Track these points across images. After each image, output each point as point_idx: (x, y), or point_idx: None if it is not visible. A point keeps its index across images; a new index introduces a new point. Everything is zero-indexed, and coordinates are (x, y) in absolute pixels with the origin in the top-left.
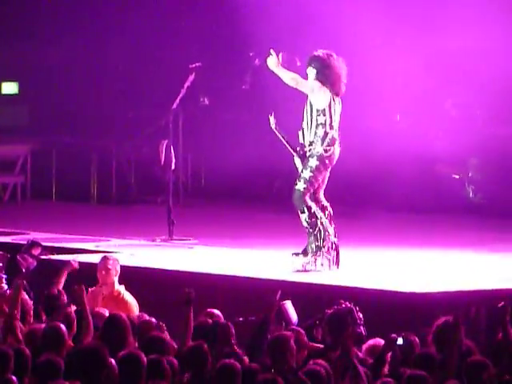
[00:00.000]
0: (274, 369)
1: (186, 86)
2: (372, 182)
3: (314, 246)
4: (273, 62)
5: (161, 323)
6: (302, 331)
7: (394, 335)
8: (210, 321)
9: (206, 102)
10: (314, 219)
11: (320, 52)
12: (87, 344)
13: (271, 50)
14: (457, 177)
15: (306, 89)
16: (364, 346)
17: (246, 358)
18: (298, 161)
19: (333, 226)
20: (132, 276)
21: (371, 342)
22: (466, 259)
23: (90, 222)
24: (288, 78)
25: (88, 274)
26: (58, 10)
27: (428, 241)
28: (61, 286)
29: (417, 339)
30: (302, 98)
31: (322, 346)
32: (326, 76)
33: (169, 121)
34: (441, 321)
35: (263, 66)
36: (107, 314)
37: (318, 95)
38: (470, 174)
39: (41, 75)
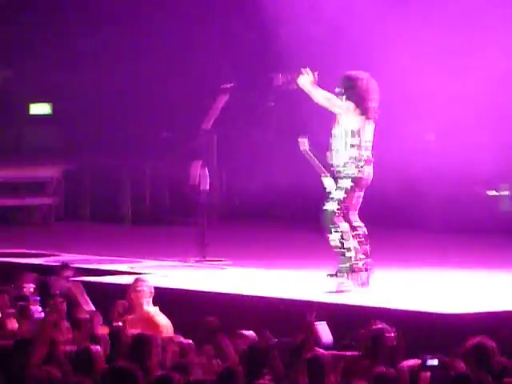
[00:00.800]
0: None
1: (219, 106)
2: (409, 202)
3: (346, 266)
4: (307, 80)
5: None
6: None
7: (427, 356)
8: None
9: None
10: (344, 240)
11: (353, 72)
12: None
13: (306, 69)
14: (494, 193)
15: (342, 109)
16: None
17: None
18: (327, 182)
19: (366, 246)
20: (165, 297)
21: (409, 362)
22: (501, 280)
23: (123, 243)
24: (322, 97)
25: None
26: (95, 37)
27: (465, 261)
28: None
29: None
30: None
31: None
32: (354, 95)
33: (202, 141)
34: (473, 341)
35: (288, 85)
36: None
37: (351, 116)
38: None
39: (74, 97)
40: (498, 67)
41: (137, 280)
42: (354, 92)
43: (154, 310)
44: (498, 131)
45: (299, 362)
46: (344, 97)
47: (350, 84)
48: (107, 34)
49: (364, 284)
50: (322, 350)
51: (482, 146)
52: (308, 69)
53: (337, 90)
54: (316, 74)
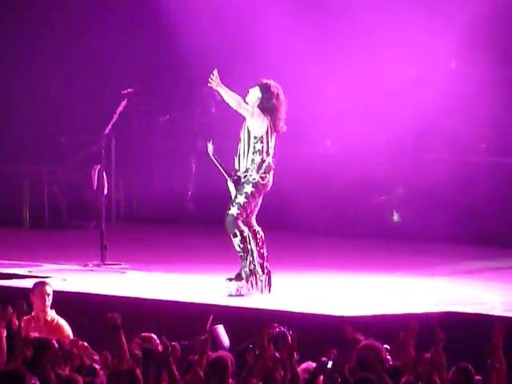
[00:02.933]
0: None
1: (118, 111)
2: (306, 206)
3: (247, 270)
4: (214, 82)
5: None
6: None
7: (324, 358)
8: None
9: (167, 117)
10: (246, 244)
11: (272, 82)
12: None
13: (214, 71)
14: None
15: (247, 112)
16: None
17: None
18: (231, 186)
19: (264, 250)
20: (64, 301)
21: (303, 365)
22: (393, 283)
23: (21, 247)
24: (231, 98)
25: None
26: None
27: (359, 265)
28: None
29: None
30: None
31: None
32: (270, 106)
33: (101, 146)
34: (364, 343)
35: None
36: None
37: (257, 122)
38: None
39: None
40: (390, 80)
41: (39, 284)
42: (269, 102)
43: (53, 313)
44: (389, 138)
45: (197, 364)
46: (259, 100)
47: (271, 95)
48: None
49: (263, 288)
50: (223, 352)
51: (375, 152)
52: (216, 71)
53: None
54: (214, 71)
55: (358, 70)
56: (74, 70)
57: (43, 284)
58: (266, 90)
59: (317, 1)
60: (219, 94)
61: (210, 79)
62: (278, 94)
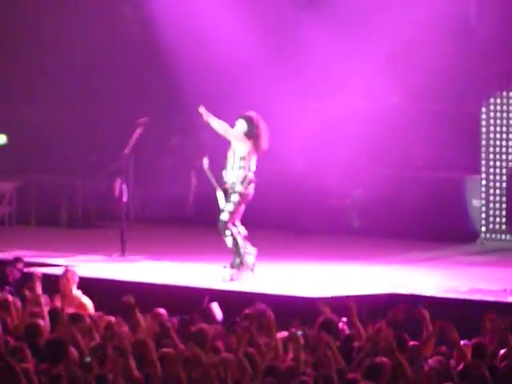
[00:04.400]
0: None
1: (135, 136)
2: (281, 210)
3: (237, 261)
4: (205, 114)
5: (118, 318)
6: None
7: (294, 329)
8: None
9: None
10: (235, 241)
11: (253, 114)
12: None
13: (200, 108)
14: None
15: (232, 137)
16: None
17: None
18: (220, 195)
19: (247, 244)
20: (93, 285)
21: (283, 333)
22: (350, 270)
23: (61, 243)
24: (218, 126)
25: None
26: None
27: (325, 257)
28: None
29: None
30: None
31: None
32: (254, 134)
33: (122, 163)
34: (326, 317)
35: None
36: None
37: (241, 144)
38: (348, 201)
39: (24, 128)
40: (346, 106)
41: (66, 270)
42: (253, 131)
43: (79, 293)
44: (348, 156)
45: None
46: (244, 129)
47: (254, 124)
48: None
49: (249, 274)
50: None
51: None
52: (202, 107)
53: None
54: (200, 108)
55: (318, 101)
56: (100, 102)
57: (69, 269)
58: (248, 121)
59: (284, 38)
60: (210, 124)
61: (200, 114)
62: (258, 123)
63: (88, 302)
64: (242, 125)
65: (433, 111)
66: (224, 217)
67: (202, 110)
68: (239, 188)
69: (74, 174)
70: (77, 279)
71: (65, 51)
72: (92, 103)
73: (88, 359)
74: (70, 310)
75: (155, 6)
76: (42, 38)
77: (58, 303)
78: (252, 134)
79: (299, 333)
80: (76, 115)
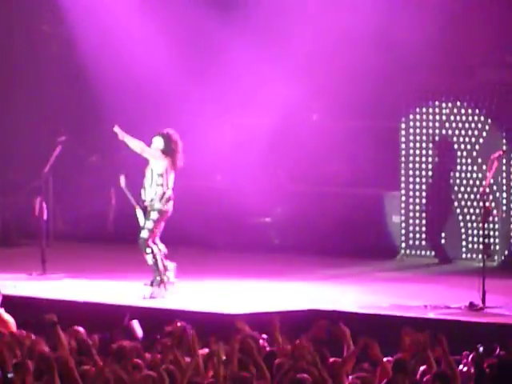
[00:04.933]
0: None
1: (54, 155)
2: (199, 226)
3: (158, 278)
4: (120, 134)
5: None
6: None
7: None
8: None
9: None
10: (155, 258)
11: (170, 131)
12: None
13: (115, 128)
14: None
15: (149, 155)
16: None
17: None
18: (139, 213)
19: (167, 262)
20: (15, 302)
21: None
22: (271, 287)
23: None
24: (134, 145)
25: None
26: None
27: (244, 273)
28: None
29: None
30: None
31: None
32: (171, 150)
33: (41, 182)
34: (246, 334)
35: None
36: None
37: (158, 162)
38: (267, 220)
39: None
40: (264, 123)
41: None
42: (171, 147)
43: (2, 311)
44: (266, 173)
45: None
46: (162, 146)
47: (171, 141)
48: None
49: (168, 292)
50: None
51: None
52: (117, 126)
53: None
54: (115, 128)
55: (237, 117)
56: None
57: None
58: (166, 138)
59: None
60: (126, 143)
61: (115, 133)
62: (175, 140)
63: (10, 320)
64: (159, 142)
65: (352, 127)
66: (144, 234)
67: (116, 129)
68: (158, 205)
69: None
70: None
71: None
72: (10, 120)
73: (11, 375)
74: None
75: (73, 23)
76: None
77: None
78: (169, 151)
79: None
80: None
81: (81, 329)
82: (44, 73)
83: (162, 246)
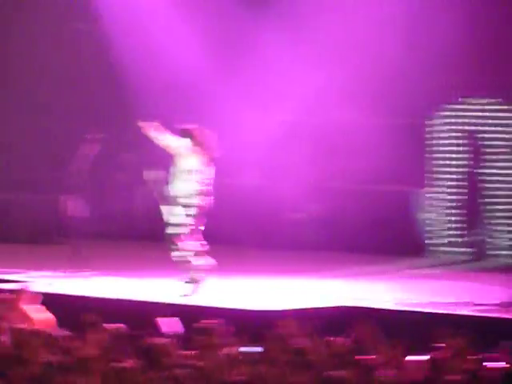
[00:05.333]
0: None
1: (88, 152)
2: (234, 224)
3: (192, 276)
4: (145, 129)
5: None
6: None
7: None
8: None
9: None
10: (188, 256)
11: (194, 126)
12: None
13: (140, 122)
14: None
15: (174, 151)
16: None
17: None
18: (165, 209)
19: (203, 258)
20: (50, 300)
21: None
22: (303, 284)
23: (20, 259)
24: (160, 139)
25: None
26: None
27: (278, 270)
28: None
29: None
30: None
31: None
32: (198, 145)
33: (75, 179)
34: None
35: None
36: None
37: (190, 157)
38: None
39: None
40: (296, 121)
41: (23, 285)
42: (195, 141)
43: (33, 309)
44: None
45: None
46: (187, 142)
47: (191, 135)
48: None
49: (201, 289)
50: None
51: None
52: (141, 121)
53: None
54: (140, 122)
55: (269, 114)
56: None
57: (27, 285)
58: (189, 134)
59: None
60: (151, 138)
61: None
62: (201, 135)
63: (52, 318)
64: (184, 139)
65: (380, 124)
66: (174, 230)
67: (141, 124)
68: (195, 201)
69: (31, 190)
70: (37, 295)
71: (13, 64)
72: (44, 118)
73: (48, 370)
74: (30, 326)
75: (108, 21)
76: None
77: (15, 319)
78: (197, 146)
79: (258, 349)
80: (28, 130)
81: (116, 326)
82: (78, 70)
83: (196, 243)
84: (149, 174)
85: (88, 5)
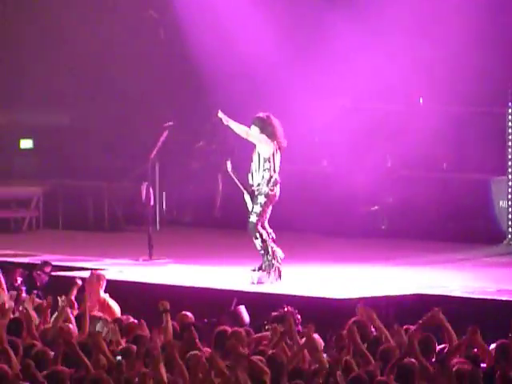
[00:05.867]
0: None
1: (161, 140)
2: (306, 212)
3: (266, 263)
4: (224, 119)
5: (142, 321)
6: None
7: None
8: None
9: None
10: (264, 243)
11: (261, 114)
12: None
13: (219, 113)
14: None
15: (255, 139)
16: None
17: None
18: (247, 198)
19: (276, 246)
20: (121, 288)
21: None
22: (378, 272)
23: (88, 246)
24: (240, 129)
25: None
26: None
27: (351, 259)
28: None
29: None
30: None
31: None
32: (268, 132)
33: (148, 167)
34: (355, 319)
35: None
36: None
37: (264, 145)
38: (376, 207)
39: (50, 133)
40: (371, 108)
41: (92, 273)
42: (267, 129)
43: (107, 296)
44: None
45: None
46: (259, 132)
47: (266, 123)
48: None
49: (277, 277)
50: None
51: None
52: (220, 111)
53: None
54: (219, 113)
55: (341, 102)
56: (125, 106)
57: (96, 273)
58: (260, 121)
59: (311, 37)
60: (230, 127)
61: (219, 118)
62: (272, 123)
63: (115, 306)
64: (255, 128)
65: (460, 112)
66: (253, 219)
67: (220, 114)
68: (265, 189)
69: (100, 178)
70: (104, 283)
71: (89, 57)
72: (117, 107)
73: (119, 358)
74: (97, 314)
75: (180, 9)
76: (62, 42)
77: (84, 307)
78: (269, 133)
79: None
80: (101, 119)
81: (189, 314)
82: (150, 59)
83: (269, 230)
84: (230, 164)
85: None
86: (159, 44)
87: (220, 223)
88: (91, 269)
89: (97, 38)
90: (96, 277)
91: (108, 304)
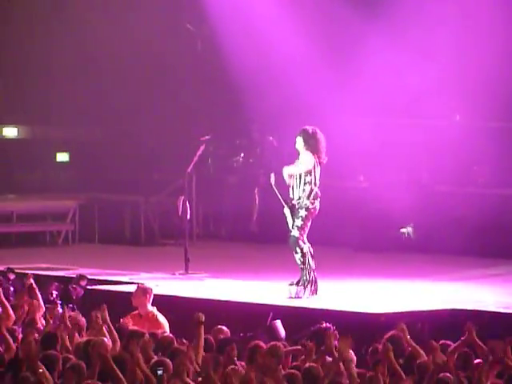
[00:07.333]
0: None
1: (198, 154)
2: (342, 227)
3: (305, 278)
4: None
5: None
6: None
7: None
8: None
9: (238, 159)
10: (304, 258)
11: (308, 127)
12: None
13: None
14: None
15: (302, 167)
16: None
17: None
18: (287, 211)
19: (313, 261)
20: (157, 302)
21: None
22: (412, 286)
23: (124, 260)
24: (291, 171)
25: (124, 301)
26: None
27: (384, 273)
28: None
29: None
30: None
31: None
32: (312, 145)
33: (185, 181)
34: (389, 335)
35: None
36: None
37: (307, 160)
38: (412, 225)
39: (86, 147)
40: (406, 124)
41: (139, 286)
42: (311, 143)
43: (154, 310)
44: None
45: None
46: (303, 144)
47: (311, 136)
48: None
49: (314, 292)
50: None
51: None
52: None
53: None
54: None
55: (377, 118)
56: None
57: (144, 286)
58: (306, 134)
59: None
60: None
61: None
62: (314, 134)
63: (163, 320)
64: (301, 140)
65: (495, 127)
66: (295, 233)
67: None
68: (306, 202)
69: (137, 192)
70: (151, 296)
71: (122, 70)
72: (151, 120)
73: (160, 372)
74: (145, 328)
75: (216, 21)
76: (94, 56)
77: (128, 321)
78: (311, 147)
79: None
80: (139, 133)
81: (224, 328)
82: (186, 71)
83: (308, 245)
84: (273, 177)
85: (196, 6)
86: (196, 57)
87: (256, 237)
88: (128, 283)
89: (133, 55)
90: (142, 290)
91: (156, 317)
